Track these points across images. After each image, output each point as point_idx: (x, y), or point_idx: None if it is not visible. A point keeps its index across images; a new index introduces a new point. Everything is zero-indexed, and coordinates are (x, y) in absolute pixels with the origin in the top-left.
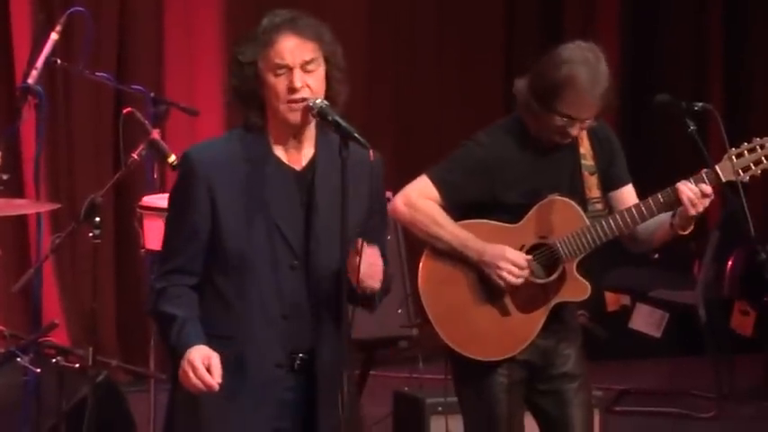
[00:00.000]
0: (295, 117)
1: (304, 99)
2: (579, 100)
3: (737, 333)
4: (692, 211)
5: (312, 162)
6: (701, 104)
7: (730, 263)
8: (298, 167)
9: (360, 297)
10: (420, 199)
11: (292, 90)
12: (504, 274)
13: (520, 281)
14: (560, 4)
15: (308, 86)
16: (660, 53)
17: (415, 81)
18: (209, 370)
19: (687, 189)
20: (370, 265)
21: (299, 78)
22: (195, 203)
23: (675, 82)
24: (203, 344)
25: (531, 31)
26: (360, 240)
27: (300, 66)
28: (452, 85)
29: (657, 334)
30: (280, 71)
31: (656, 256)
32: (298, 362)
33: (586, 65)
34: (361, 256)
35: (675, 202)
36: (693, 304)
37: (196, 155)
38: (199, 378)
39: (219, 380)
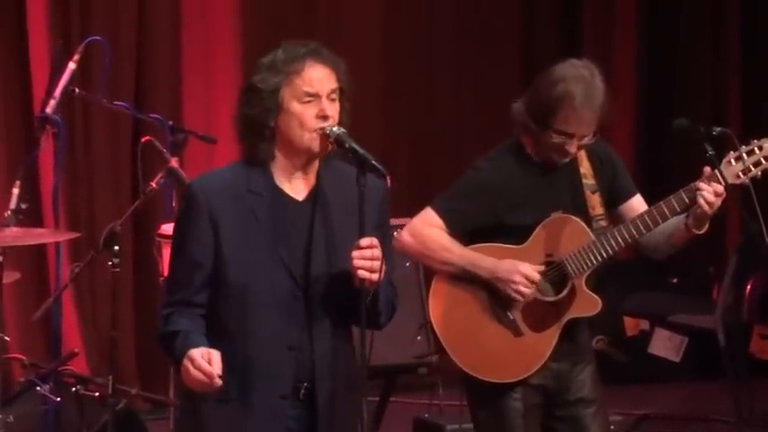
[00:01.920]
0: (316, 145)
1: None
2: (576, 116)
3: (757, 357)
4: (709, 211)
5: (313, 192)
6: (719, 129)
7: (749, 287)
8: (300, 198)
9: (362, 297)
10: (425, 227)
11: (324, 118)
12: (520, 287)
13: (530, 296)
14: (578, 29)
15: (332, 116)
16: (678, 76)
17: (432, 105)
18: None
19: (704, 191)
20: (365, 255)
21: (329, 107)
22: (199, 234)
23: (693, 105)
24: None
25: (550, 55)
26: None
27: (327, 95)
28: (469, 107)
29: (676, 359)
30: (307, 99)
31: (675, 280)
32: (303, 391)
33: (582, 81)
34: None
35: (686, 206)
36: (712, 329)
37: (199, 186)
38: (197, 368)
39: (219, 371)
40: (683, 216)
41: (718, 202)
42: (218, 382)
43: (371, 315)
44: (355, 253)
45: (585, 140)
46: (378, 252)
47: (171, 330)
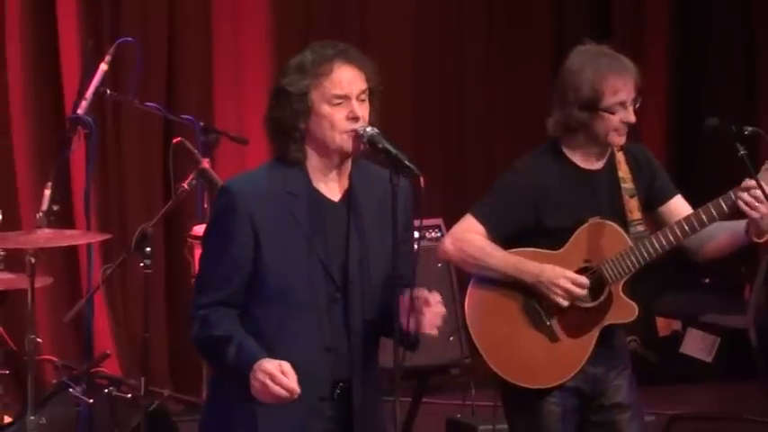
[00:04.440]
0: (349, 146)
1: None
2: (619, 82)
3: None
4: (755, 215)
5: (348, 193)
6: (750, 128)
7: None
8: (335, 199)
9: (406, 339)
10: (466, 234)
11: (355, 119)
12: (562, 292)
13: (577, 298)
14: (609, 29)
15: (363, 116)
16: (709, 76)
17: (465, 107)
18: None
19: (744, 197)
20: (435, 313)
21: (358, 107)
22: (238, 236)
23: (725, 105)
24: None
25: None
26: (417, 291)
27: (356, 96)
28: (500, 106)
29: (709, 358)
30: (337, 101)
31: (707, 280)
32: (338, 391)
33: (601, 54)
34: (417, 304)
35: (724, 213)
36: (745, 328)
37: (237, 187)
38: (279, 384)
39: (296, 383)
40: (743, 223)
41: (763, 207)
42: (298, 392)
43: (410, 346)
44: (427, 310)
45: (636, 104)
46: (442, 309)
47: (216, 335)
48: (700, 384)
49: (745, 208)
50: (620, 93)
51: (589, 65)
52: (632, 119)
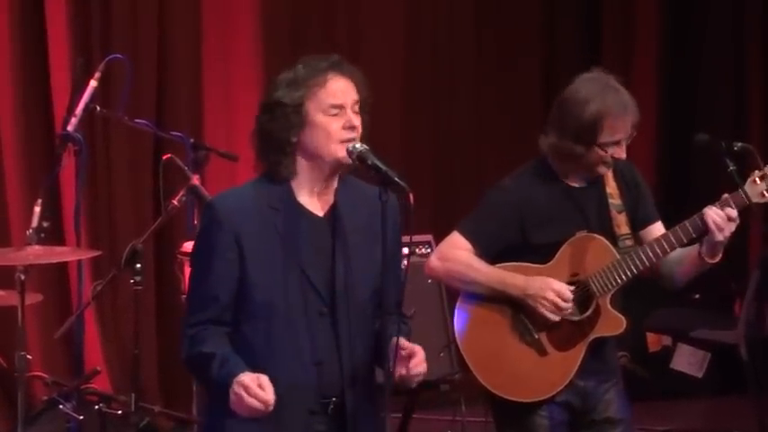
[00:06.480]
0: (344, 155)
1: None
2: (619, 123)
3: None
4: (719, 237)
5: (334, 208)
6: (740, 144)
7: None
8: (320, 214)
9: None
10: (452, 250)
11: (351, 128)
12: (549, 305)
13: (565, 313)
14: (598, 41)
15: (358, 127)
16: (699, 91)
17: (454, 122)
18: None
19: (713, 213)
20: (416, 367)
21: (355, 117)
22: (223, 252)
23: (715, 121)
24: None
25: (570, 69)
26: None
27: (351, 106)
28: (490, 117)
29: (699, 374)
30: (334, 111)
31: (697, 296)
32: (331, 406)
33: (608, 90)
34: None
35: (702, 229)
36: (735, 344)
37: (220, 202)
38: (253, 396)
39: (273, 396)
40: (694, 247)
41: (729, 227)
42: (272, 404)
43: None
44: (411, 364)
45: (629, 139)
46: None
47: (203, 352)
48: (690, 400)
49: (712, 226)
50: (617, 133)
51: (595, 98)
52: (623, 156)
